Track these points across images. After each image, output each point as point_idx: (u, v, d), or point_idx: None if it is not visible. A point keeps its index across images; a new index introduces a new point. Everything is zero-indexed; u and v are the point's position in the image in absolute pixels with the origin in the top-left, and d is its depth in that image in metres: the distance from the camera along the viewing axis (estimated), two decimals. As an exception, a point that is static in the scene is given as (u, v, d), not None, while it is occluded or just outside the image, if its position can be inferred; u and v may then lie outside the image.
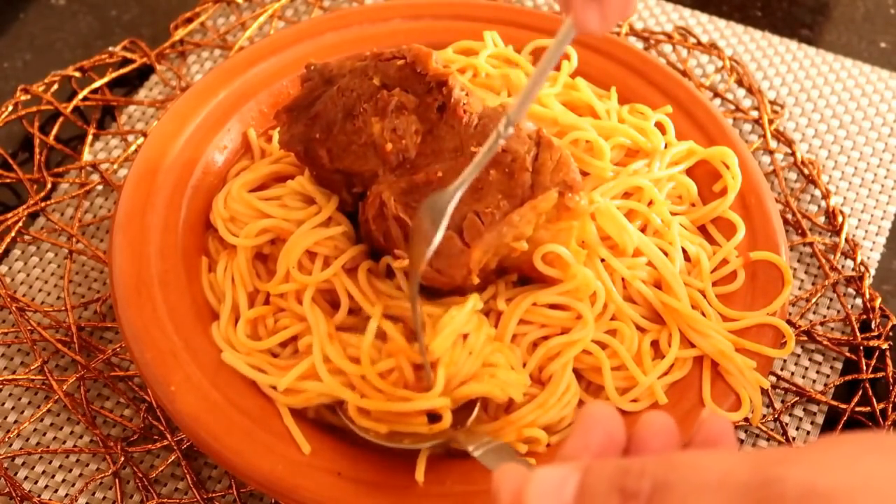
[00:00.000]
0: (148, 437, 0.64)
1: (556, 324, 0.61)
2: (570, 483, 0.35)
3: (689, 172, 0.71)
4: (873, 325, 0.70)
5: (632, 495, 0.33)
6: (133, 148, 0.78)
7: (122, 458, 0.62)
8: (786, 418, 0.67)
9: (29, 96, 0.79)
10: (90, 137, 0.78)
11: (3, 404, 0.65)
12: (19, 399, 0.65)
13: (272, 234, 0.64)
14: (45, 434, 0.64)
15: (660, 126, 0.72)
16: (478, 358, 0.58)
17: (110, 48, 0.83)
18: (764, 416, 0.66)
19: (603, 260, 0.63)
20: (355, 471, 0.56)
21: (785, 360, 0.69)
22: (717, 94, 0.84)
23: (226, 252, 0.65)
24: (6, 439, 0.63)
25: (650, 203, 0.68)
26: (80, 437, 0.64)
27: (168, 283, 0.62)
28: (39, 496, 0.61)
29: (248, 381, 0.60)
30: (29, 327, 0.68)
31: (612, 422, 0.38)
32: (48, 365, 0.66)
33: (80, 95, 0.80)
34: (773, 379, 0.67)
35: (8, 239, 0.72)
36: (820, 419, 0.67)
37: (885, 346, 0.69)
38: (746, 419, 0.62)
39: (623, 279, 0.64)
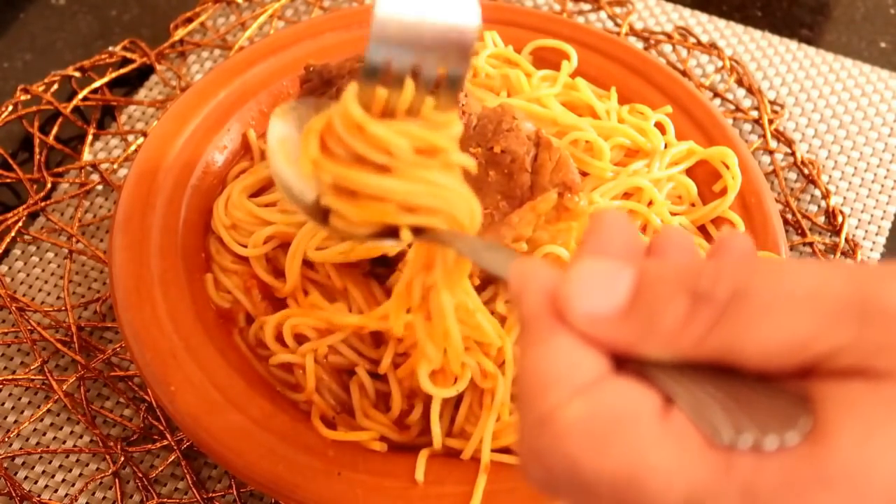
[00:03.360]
0: (148, 437, 0.64)
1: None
2: (622, 280, 0.31)
3: (689, 172, 0.71)
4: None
5: (704, 299, 0.29)
6: (133, 148, 0.78)
7: (122, 458, 0.62)
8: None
9: (29, 96, 0.79)
10: (90, 137, 0.78)
11: (3, 404, 0.65)
12: (19, 399, 0.65)
13: (278, 239, 0.64)
14: (45, 434, 0.64)
15: (660, 126, 0.72)
16: None
17: (110, 48, 0.83)
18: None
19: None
20: (355, 471, 0.56)
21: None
22: (717, 94, 0.84)
23: (231, 259, 0.65)
24: (6, 439, 0.63)
25: (650, 203, 0.68)
26: (80, 437, 0.64)
27: (168, 283, 0.62)
28: (39, 496, 0.61)
29: (248, 381, 0.60)
30: (29, 327, 0.68)
31: (630, 227, 0.34)
32: (48, 365, 0.66)
33: (80, 95, 0.80)
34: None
35: (8, 239, 0.72)
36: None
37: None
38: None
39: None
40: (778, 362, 0.29)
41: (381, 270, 0.63)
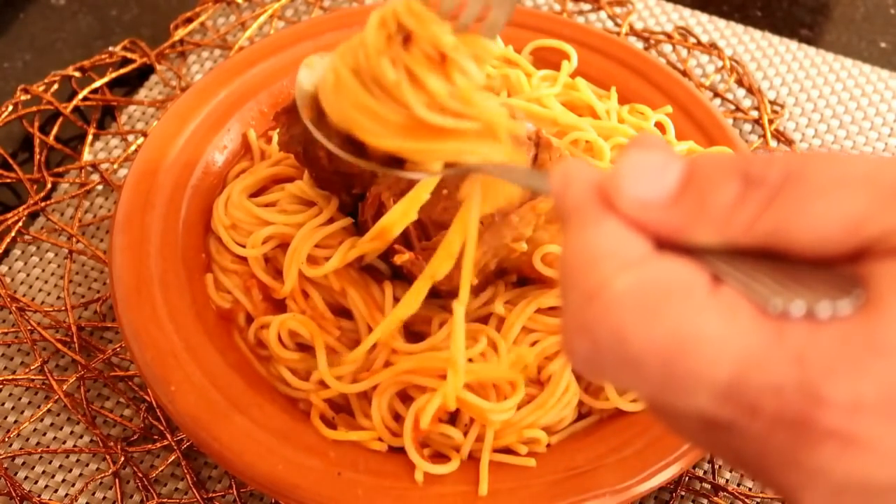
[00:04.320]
0: (148, 437, 0.64)
1: (556, 326, 0.61)
2: (672, 167, 0.31)
3: (689, 172, 0.71)
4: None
5: (756, 182, 0.29)
6: (133, 148, 0.78)
7: (122, 458, 0.62)
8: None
9: (29, 96, 0.79)
10: (90, 137, 0.78)
11: (3, 404, 0.65)
12: (19, 399, 0.65)
13: (277, 240, 0.64)
14: (45, 434, 0.64)
15: (660, 126, 0.72)
16: None
17: (110, 48, 0.83)
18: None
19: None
20: (355, 471, 0.56)
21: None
22: (717, 94, 0.84)
23: (231, 259, 0.65)
24: (6, 439, 0.63)
25: (650, 203, 0.67)
26: (80, 437, 0.64)
27: (168, 283, 0.62)
28: (39, 496, 0.61)
29: (248, 382, 0.60)
30: (29, 327, 0.68)
31: (669, 145, 0.33)
32: (48, 365, 0.66)
33: (80, 95, 0.80)
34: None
35: (8, 239, 0.72)
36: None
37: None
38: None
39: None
40: (831, 245, 0.29)
41: (380, 266, 0.63)
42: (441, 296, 0.61)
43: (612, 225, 0.30)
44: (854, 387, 0.27)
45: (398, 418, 0.59)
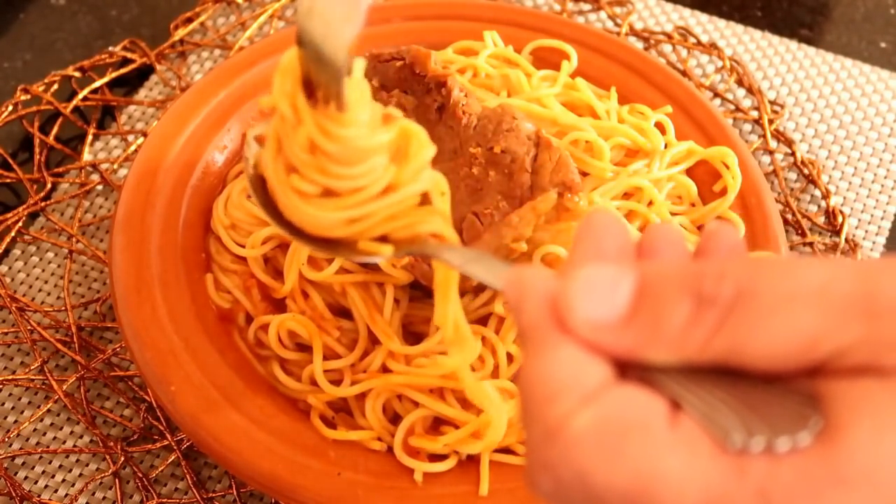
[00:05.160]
0: (148, 437, 0.64)
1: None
2: (623, 285, 0.30)
3: (689, 172, 0.71)
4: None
5: (709, 301, 0.29)
6: (133, 148, 0.78)
7: (122, 458, 0.62)
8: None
9: (29, 96, 0.79)
10: (90, 137, 0.78)
11: (3, 404, 0.65)
12: (19, 399, 0.65)
13: (277, 240, 0.64)
14: (44, 434, 0.64)
15: (660, 126, 0.72)
16: None
17: (110, 48, 0.83)
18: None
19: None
20: (355, 471, 0.56)
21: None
22: (717, 94, 0.84)
23: (231, 259, 0.65)
24: (6, 439, 0.63)
25: (650, 203, 0.68)
26: (80, 437, 0.64)
27: (168, 283, 0.62)
28: (39, 496, 0.61)
29: (248, 382, 0.60)
30: (29, 327, 0.68)
31: (621, 228, 0.33)
32: (48, 365, 0.66)
33: (80, 95, 0.80)
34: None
35: (8, 239, 0.72)
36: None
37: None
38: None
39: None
40: (786, 363, 0.29)
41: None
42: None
43: (569, 351, 0.30)
44: None
45: (396, 419, 0.59)
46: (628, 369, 0.31)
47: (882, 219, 0.77)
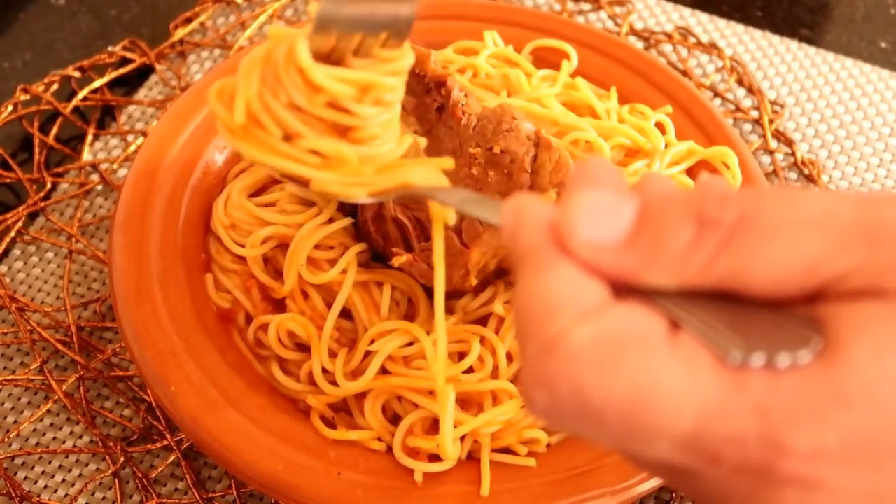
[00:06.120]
0: (148, 437, 0.64)
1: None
2: (626, 208, 0.30)
3: (689, 172, 0.71)
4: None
5: (711, 224, 0.29)
6: (133, 148, 0.78)
7: (122, 458, 0.62)
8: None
9: (29, 96, 0.79)
10: (90, 137, 0.78)
11: (3, 404, 0.65)
12: (19, 399, 0.65)
13: (277, 240, 0.64)
14: (44, 434, 0.64)
15: (660, 126, 0.72)
16: None
17: (110, 48, 0.83)
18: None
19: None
20: (355, 471, 0.56)
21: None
22: (717, 94, 0.84)
23: (230, 259, 0.65)
24: (6, 439, 0.63)
25: (650, 203, 0.67)
26: (80, 437, 0.64)
27: (168, 283, 0.62)
28: (39, 496, 0.61)
29: (248, 381, 0.60)
30: (29, 327, 0.68)
31: (616, 170, 0.32)
32: (48, 365, 0.66)
33: (80, 95, 0.80)
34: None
35: (8, 239, 0.72)
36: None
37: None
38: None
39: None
40: (787, 288, 0.29)
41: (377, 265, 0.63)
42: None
43: (568, 270, 0.30)
44: (816, 436, 0.27)
45: (396, 419, 0.59)
46: (627, 294, 0.31)
47: (882, 219, 0.77)
